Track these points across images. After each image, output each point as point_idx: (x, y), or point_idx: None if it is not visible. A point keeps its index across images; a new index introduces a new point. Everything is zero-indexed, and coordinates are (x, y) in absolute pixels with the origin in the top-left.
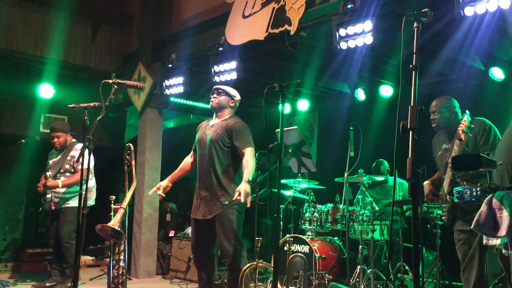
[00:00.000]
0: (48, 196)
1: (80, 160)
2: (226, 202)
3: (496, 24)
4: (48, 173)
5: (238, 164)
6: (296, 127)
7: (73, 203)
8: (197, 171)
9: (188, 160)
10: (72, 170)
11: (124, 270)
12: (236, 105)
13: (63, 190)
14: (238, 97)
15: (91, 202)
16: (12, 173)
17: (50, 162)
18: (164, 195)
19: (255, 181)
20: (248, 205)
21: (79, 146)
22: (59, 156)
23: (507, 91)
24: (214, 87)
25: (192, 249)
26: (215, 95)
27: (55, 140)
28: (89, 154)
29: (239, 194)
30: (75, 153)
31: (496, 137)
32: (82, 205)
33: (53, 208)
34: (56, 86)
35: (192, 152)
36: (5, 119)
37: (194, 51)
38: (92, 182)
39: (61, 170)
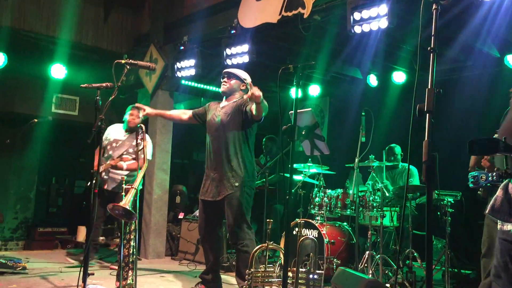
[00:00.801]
0: (105, 176)
1: (148, 150)
2: (237, 184)
3: None
4: (110, 152)
5: (248, 146)
6: (310, 109)
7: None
8: (206, 153)
9: (182, 114)
10: (134, 156)
11: (135, 250)
12: (247, 87)
13: (125, 173)
14: (249, 79)
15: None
16: (24, 153)
17: (112, 139)
18: (144, 109)
19: (265, 165)
20: None
21: (147, 136)
22: (125, 136)
23: None
24: (224, 71)
25: (200, 231)
26: (225, 79)
27: (132, 118)
28: (102, 134)
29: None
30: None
31: None
32: (94, 184)
33: (106, 187)
34: (68, 66)
35: (191, 113)
36: (17, 98)
37: (206, 34)
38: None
39: (125, 153)
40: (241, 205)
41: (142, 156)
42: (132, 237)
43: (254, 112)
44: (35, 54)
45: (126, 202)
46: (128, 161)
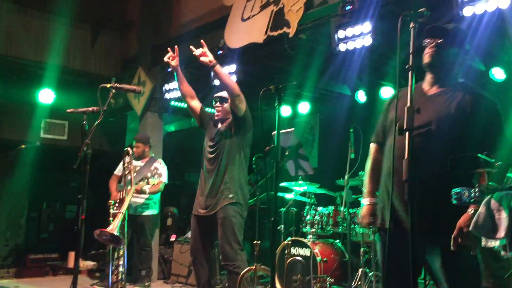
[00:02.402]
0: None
1: (162, 172)
2: (231, 195)
3: (495, 24)
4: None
5: (242, 161)
6: (293, 129)
7: (151, 211)
8: (202, 168)
9: (193, 97)
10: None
11: (123, 276)
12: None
13: (145, 196)
14: None
15: (158, 210)
16: (13, 179)
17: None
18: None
19: (256, 184)
20: None
21: (161, 160)
22: (143, 162)
23: (508, 92)
24: (215, 95)
25: (191, 251)
26: (218, 105)
27: (134, 149)
28: (88, 159)
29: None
30: (158, 165)
31: None
32: (82, 210)
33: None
34: (56, 91)
35: (200, 106)
36: (5, 124)
37: (193, 55)
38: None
39: (143, 177)
40: (234, 225)
41: (129, 178)
42: (121, 262)
43: (232, 107)
44: (23, 79)
45: (114, 227)
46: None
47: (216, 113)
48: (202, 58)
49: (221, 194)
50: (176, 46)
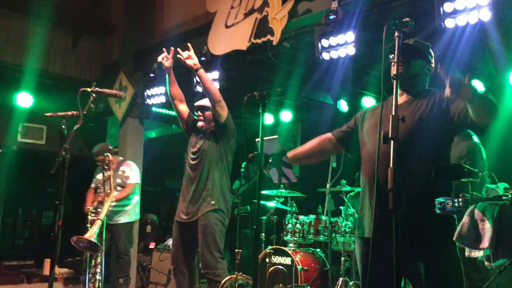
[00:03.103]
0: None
1: (129, 174)
2: (212, 202)
3: (477, 37)
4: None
5: (225, 168)
6: (276, 136)
7: (124, 219)
8: (184, 175)
9: (182, 101)
10: (123, 185)
11: (100, 284)
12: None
13: (113, 204)
14: None
15: (137, 216)
16: None
17: (97, 177)
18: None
19: (238, 191)
20: None
21: (131, 162)
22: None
23: None
24: (195, 105)
25: (173, 259)
26: (199, 113)
27: (98, 163)
28: (66, 164)
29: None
30: (125, 168)
31: None
32: (58, 216)
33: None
34: (35, 95)
35: (187, 111)
36: None
37: (176, 61)
38: (138, 197)
39: (114, 185)
40: (215, 233)
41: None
42: (98, 270)
43: (214, 113)
44: (1, 82)
45: (92, 234)
46: (116, 191)
47: (199, 123)
48: (188, 61)
49: (203, 200)
50: (172, 48)
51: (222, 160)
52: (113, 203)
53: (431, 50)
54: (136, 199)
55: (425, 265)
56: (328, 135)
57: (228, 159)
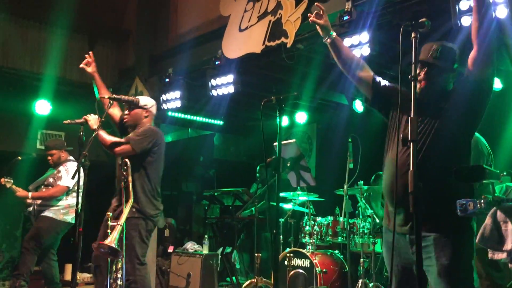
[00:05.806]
0: (30, 208)
1: (62, 175)
2: (134, 209)
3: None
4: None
5: (147, 176)
6: (294, 140)
7: (49, 213)
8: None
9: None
10: (52, 185)
11: None
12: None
13: (38, 202)
14: (149, 105)
15: (69, 219)
16: (9, 191)
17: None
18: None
19: (255, 193)
20: None
21: (70, 164)
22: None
23: (504, 101)
24: (122, 100)
25: (93, 257)
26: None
27: (49, 157)
28: (80, 171)
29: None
30: (61, 168)
31: None
32: (79, 222)
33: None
34: (53, 102)
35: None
36: (1, 136)
37: (191, 65)
38: (72, 200)
39: (45, 183)
40: (132, 239)
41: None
42: (119, 275)
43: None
44: (19, 90)
45: (112, 240)
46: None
47: (124, 118)
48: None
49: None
50: (90, 52)
51: (143, 167)
52: (38, 202)
53: (456, 50)
54: (65, 202)
55: (438, 265)
56: (371, 72)
57: (151, 165)
